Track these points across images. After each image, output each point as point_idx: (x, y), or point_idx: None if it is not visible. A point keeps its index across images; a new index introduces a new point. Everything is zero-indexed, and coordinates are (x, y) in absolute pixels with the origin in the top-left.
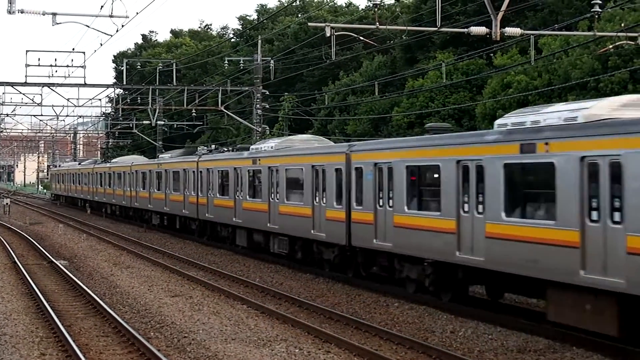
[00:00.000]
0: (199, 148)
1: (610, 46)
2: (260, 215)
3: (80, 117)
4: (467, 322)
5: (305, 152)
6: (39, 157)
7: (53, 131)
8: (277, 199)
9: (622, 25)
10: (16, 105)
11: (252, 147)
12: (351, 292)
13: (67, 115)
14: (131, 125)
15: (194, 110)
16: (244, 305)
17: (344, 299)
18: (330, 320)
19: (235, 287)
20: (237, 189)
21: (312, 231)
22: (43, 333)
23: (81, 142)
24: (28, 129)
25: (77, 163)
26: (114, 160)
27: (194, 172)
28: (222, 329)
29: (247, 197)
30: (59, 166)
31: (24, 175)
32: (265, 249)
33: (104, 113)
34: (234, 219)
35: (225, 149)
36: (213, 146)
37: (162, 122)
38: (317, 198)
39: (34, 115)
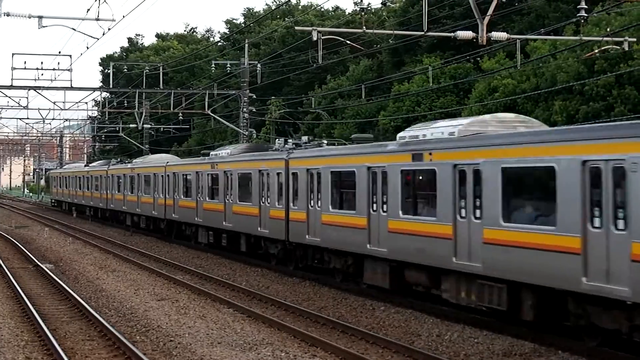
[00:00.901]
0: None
1: (596, 50)
2: (217, 214)
3: (66, 120)
4: (453, 326)
5: (253, 158)
6: (25, 160)
7: (39, 134)
8: (231, 200)
9: (608, 30)
10: (2, 108)
11: (212, 153)
12: (337, 296)
13: (53, 119)
14: (118, 129)
15: (180, 114)
16: (230, 309)
17: (330, 302)
18: (316, 324)
19: (222, 290)
20: (199, 191)
21: (258, 228)
22: (28, 337)
23: (67, 146)
24: (14, 132)
25: (83, 164)
26: (138, 160)
27: (162, 176)
28: (208, 332)
29: (207, 198)
30: (61, 167)
31: (10, 178)
32: (223, 245)
33: (90, 116)
34: (196, 218)
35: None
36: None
37: (149, 126)
38: (262, 199)
39: (20, 119)
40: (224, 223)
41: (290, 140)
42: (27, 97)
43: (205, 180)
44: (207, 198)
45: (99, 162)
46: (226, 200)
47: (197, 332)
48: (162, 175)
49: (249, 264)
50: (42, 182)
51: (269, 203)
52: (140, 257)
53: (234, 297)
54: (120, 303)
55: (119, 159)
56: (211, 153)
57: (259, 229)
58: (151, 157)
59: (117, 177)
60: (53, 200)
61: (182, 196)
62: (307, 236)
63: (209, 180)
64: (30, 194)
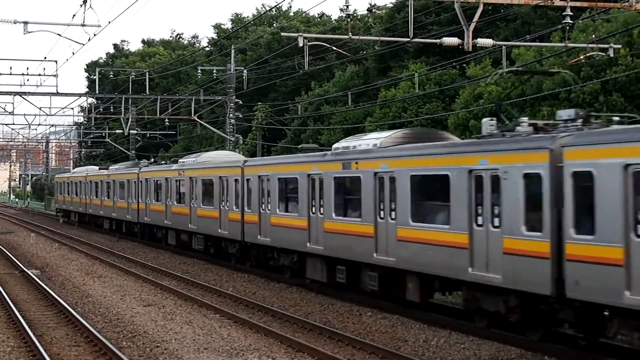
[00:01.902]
0: (141, 161)
1: (582, 57)
2: (184, 218)
3: (52, 126)
4: (439, 332)
5: (215, 166)
6: (10, 166)
7: (25, 140)
8: (196, 204)
9: (594, 36)
10: None
11: (180, 160)
12: (324, 302)
13: (39, 124)
14: (104, 135)
15: (166, 120)
16: (216, 315)
17: (317, 308)
18: (303, 329)
19: (209, 296)
20: (168, 195)
21: (219, 230)
22: (14, 343)
23: (53, 151)
24: (0, 138)
25: (98, 167)
26: (185, 159)
27: (135, 182)
28: (194, 338)
29: (175, 202)
30: (67, 171)
31: None
32: (189, 246)
33: (76, 122)
34: (165, 221)
35: (163, 162)
36: (152, 159)
37: (135, 132)
38: (222, 203)
39: (5, 124)
40: (189, 225)
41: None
42: (12, 103)
43: (174, 186)
44: (175, 202)
45: (127, 163)
46: (191, 205)
47: (184, 338)
48: (135, 182)
49: (235, 269)
50: (28, 187)
51: (227, 207)
52: (127, 263)
53: (221, 302)
54: (107, 309)
55: (153, 159)
56: (179, 160)
57: (219, 230)
58: (211, 154)
59: (154, 182)
60: (59, 210)
61: (153, 201)
62: (259, 236)
63: (177, 186)
64: (17, 199)
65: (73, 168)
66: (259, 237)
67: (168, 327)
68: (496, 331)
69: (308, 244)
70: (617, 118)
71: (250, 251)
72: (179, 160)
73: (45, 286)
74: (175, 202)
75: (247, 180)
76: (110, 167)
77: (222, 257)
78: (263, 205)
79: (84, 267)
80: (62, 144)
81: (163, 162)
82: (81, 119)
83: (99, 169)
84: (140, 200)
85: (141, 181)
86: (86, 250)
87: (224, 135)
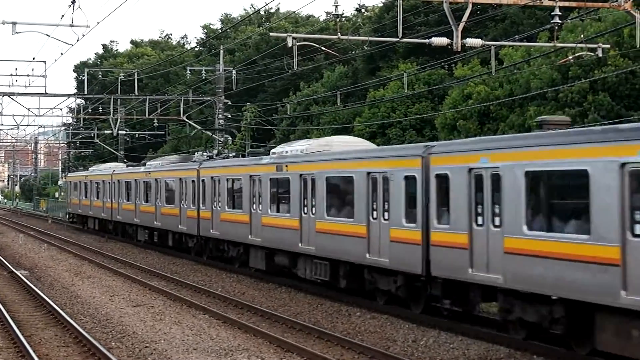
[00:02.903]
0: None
1: (570, 57)
2: (150, 215)
3: (41, 126)
4: (428, 331)
5: (176, 168)
6: None
7: (13, 140)
8: (160, 203)
9: (582, 36)
10: None
11: (147, 163)
12: (313, 302)
13: (27, 125)
14: (93, 135)
15: (155, 120)
16: (205, 315)
17: (306, 308)
18: (292, 329)
19: (197, 296)
20: (137, 195)
21: (179, 226)
22: (3, 343)
23: (42, 152)
24: None
25: (125, 164)
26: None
27: (109, 183)
28: (183, 338)
29: (143, 202)
30: (85, 170)
31: None
32: (155, 242)
33: (65, 123)
34: (134, 219)
35: (232, 155)
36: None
37: (124, 132)
38: (182, 202)
39: None
40: (155, 222)
41: (204, 153)
42: (1, 104)
43: (142, 186)
44: (143, 202)
45: (172, 158)
46: (157, 204)
47: (173, 338)
48: (109, 182)
49: (224, 269)
50: (17, 188)
51: (186, 205)
52: (116, 264)
53: (210, 303)
54: (96, 309)
55: (219, 150)
56: (147, 163)
57: (179, 226)
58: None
59: (214, 181)
60: (71, 216)
61: (125, 200)
62: (211, 230)
63: (145, 187)
64: (5, 200)
65: (62, 170)
66: (211, 231)
67: (157, 327)
68: (485, 331)
69: (250, 237)
70: (232, 155)
71: (206, 244)
72: (147, 164)
73: (34, 287)
74: (143, 202)
75: (202, 181)
76: (148, 164)
77: (182, 251)
78: (215, 203)
79: (73, 267)
80: (50, 144)
81: (232, 155)
82: (70, 120)
83: (127, 165)
84: (113, 200)
85: (114, 182)
86: (75, 250)
87: (213, 135)
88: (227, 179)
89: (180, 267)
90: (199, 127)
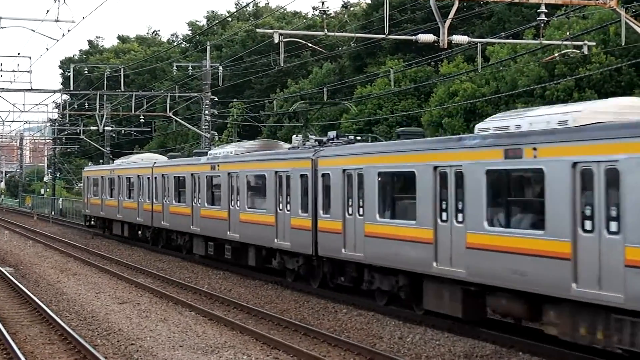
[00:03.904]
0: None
1: (556, 54)
2: (219, 224)
3: (26, 122)
4: (415, 328)
5: (136, 166)
6: None
7: None
8: (122, 198)
9: (568, 33)
10: None
11: (116, 161)
12: (299, 299)
13: (13, 121)
14: (79, 131)
15: (142, 116)
16: (192, 312)
17: (293, 305)
18: (278, 326)
19: (184, 293)
20: (195, 196)
21: (137, 218)
22: None
23: (28, 148)
24: None
25: (167, 155)
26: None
27: (148, 178)
28: (169, 335)
29: (206, 204)
30: (111, 163)
31: None
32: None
33: (50, 119)
34: (192, 227)
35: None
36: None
37: (110, 128)
38: (139, 197)
39: None
40: (228, 233)
41: (310, 136)
42: None
43: (107, 183)
44: (108, 197)
45: (248, 144)
46: (119, 198)
47: (159, 336)
48: (150, 178)
49: (210, 267)
50: (2, 185)
51: (142, 199)
52: (101, 260)
53: (196, 300)
54: (81, 306)
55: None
56: (209, 152)
57: (137, 218)
58: (139, 156)
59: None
60: (89, 219)
61: (92, 195)
62: (162, 222)
63: (209, 183)
64: None
65: (48, 166)
66: (162, 222)
67: (143, 324)
68: (471, 328)
69: (191, 227)
70: (359, 137)
71: (159, 234)
72: (115, 162)
73: (19, 284)
74: (108, 197)
75: (155, 178)
76: (211, 153)
77: (140, 240)
78: (164, 198)
79: (59, 264)
80: (36, 140)
81: (359, 138)
82: (56, 116)
83: (169, 157)
84: (91, 195)
85: (327, 174)
86: (60, 247)
87: (199, 132)
88: (174, 177)
89: (167, 264)
90: (185, 124)
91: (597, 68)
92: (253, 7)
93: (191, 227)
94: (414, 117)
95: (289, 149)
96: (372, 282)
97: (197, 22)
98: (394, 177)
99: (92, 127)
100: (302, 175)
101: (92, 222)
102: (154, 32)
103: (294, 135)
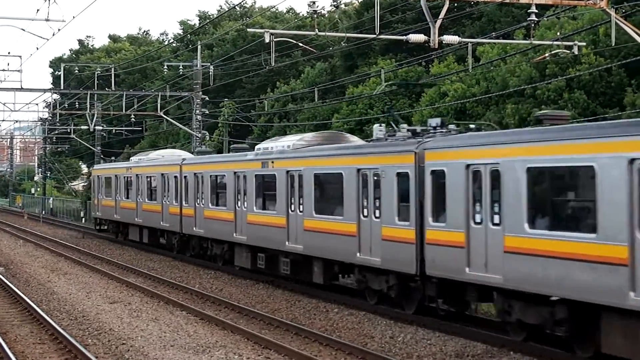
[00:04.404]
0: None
1: (547, 54)
2: (272, 232)
3: (17, 121)
4: (406, 328)
5: (158, 163)
6: None
7: None
8: (141, 199)
9: (559, 34)
10: None
11: (132, 158)
12: (291, 298)
13: (3, 120)
14: (69, 131)
15: (132, 116)
16: (183, 312)
17: (284, 304)
18: (270, 326)
19: (175, 293)
20: (239, 198)
21: (161, 223)
22: None
23: (18, 147)
24: None
25: (195, 151)
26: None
27: (175, 177)
28: (160, 335)
29: (256, 208)
30: (128, 160)
31: None
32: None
33: (41, 118)
34: (234, 234)
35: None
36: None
37: (101, 128)
38: (164, 198)
39: None
40: (288, 244)
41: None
42: None
43: (254, 183)
44: (256, 208)
45: (309, 136)
46: (290, 211)
47: (150, 335)
48: (178, 177)
49: (201, 266)
50: None
51: (119, 198)
52: (92, 260)
53: (187, 299)
54: (72, 306)
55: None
56: (256, 147)
57: (161, 223)
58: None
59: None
60: (99, 223)
61: (210, 204)
62: (194, 228)
63: (260, 183)
64: None
65: (38, 165)
66: (194, 229)
67: (134, 324)
68: (462, 327)
69: (234, 235)
70: (473, 126)
71: (188, 242)
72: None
73: (10, 283)
74: (104, 197)
75: (185, 177)
76: (259, 147)
77: (163, 248)
78: (197, 200)
79: (49, 264)
80: (26, 140)
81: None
82: (46, 115)
83: (196, 152)
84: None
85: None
86: (51, 247)
87: (190, 131)
88: (211, 175)
89: (158, 264)
90: (176, 123)
91: (587, 68)
92: (242, 8)
93: (234, 234)
94: (405, 117)
95: (369, 141)
96: (509, 313)
97: (189, 21)
98: (555, 174)
99: (82, 127)
100: (400, 174)
101: (104, 226)
102: (144, 32)
103: (376, 125)
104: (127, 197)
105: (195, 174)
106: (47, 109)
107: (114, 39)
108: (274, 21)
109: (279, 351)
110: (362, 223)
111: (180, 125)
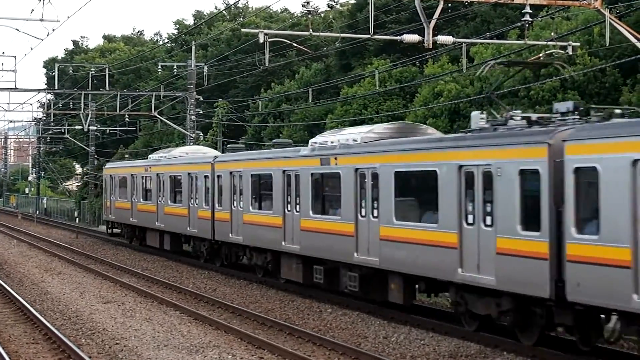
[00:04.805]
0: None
1: (541, 55)
2: (150, 216)
3: (11, 121)
4: (399, 328)
5: (184, 161)
6: None
7: None
8: (162, 201)
9: (553, 34)
10: None
11: (151, 156)
12: (284, 298)
13: None
14: (63, 131)
15: (127, 116)
16: (176, 312)
17: (277, 304)
18: (263, 326)
19: (168, 293)
20: (290, 200)
21: (187, 228)
22: None
23: (12, 147)
24: None
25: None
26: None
27: (205, 177)
28: (154, 335)
29: (141, 200)
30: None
31: None
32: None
33: (35, 118)
34: (284, 243)
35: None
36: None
37: (95, 128)
38: (191, 201)
39: None
40: (357, 256)
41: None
42: None
43: (311, 184)
44: (312, 212)
45: (384, 127)
46: (360, 216)
47: (143, 335)
48: (210, 177)
49: (195, 266)
50: None
51: (194, 204)
52: (86, 260)
53: (181, 299)
54: (66, 306)
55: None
56: (311, 141)
57: (187, 229)
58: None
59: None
60: (111, 226)
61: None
62: (230, 235)
63: (319, 184)
64: None
65: (32, 165)
66: (230, 235)
67: (128, 324)
68: (456, 327)
69: (283, 243)
70: (618, 111)
71: (219, 250)
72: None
73: (3, 283)
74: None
75: (218, 176)
76: (314, 141)
77: (188, 255)
78: (234, 203)
79: (43, 263)
80: (20, 140)
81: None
82: (40, 115)
83: (228, 149)
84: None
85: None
86: (45, 247)
87: (184, 131)
88: (252, 174)
89: (151, 264)
90: (170, 123)
91: (581, 69)
92: (236, 9)
93: (283, 243)
94: (399, 117)
95: (466, 132)
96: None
97: (184, 21)
98: None
99: (76, 127)
100: (524, 171)
101: (116, 230)
102: (138, 32)
103: (474, 112)
104: (146, 199)
105: (231, 172)
106: (42, 109)
107: (108, 39)
108: (269, 21)
109: (272, 351)
110: (464, 232)
111: (174, 126)
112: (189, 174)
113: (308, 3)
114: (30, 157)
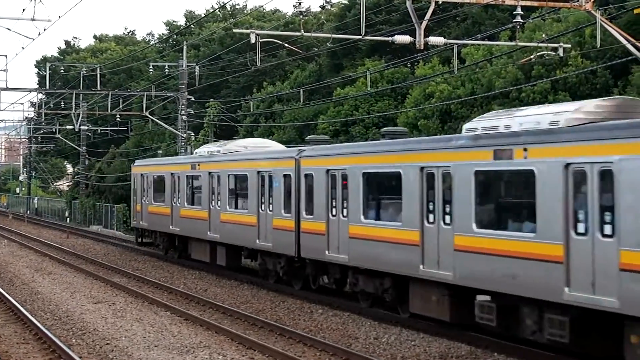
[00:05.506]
0: None
1: (532, 56)
2: (200, 224)
3: (1, 121)
4: (390, 329)
5: (250, 157)
6: None
7: None
8: (217, 206)
9: (545, 35)
10: None
11: (197, 150)
12: (275, 299)
13: None
14: (54, 130)
15: (118, 116)
16: (167, 312)
17: (268, 305)
18: (254, 326)
19: (159, 293)
20: (175, 195)
21: (257, 241)
22: None
23: (3, 147)
24: None
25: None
26: None
27: (288, 177)
28: (145, 335)
29: (185, 204)
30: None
31: None
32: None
33: (26, 117)
34: (170, 227)
35: None
36: None
37: (86, 127)
38: (261, 207)
39: None
40: (208, 234)
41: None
42: None
43: (184, 184)
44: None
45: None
46: (212, 207)
47: (134, 335)
48: (293, 177)
49: (186, 266)
50: None
51: (265, 210)
52: (77, 260)
53: (172, 300)
54: (56, 306)
55: None
56: (465, 126)
57: (257, 242)
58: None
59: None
60: (142, 233)
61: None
62: (327, 252)
63: (479, 186)
64: None
65: (23, 165)
66: (327, 253)
67: (118, 324)
68: (447, 329)
69: (421, 267)
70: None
71: (301, 269)
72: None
73: None
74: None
75: (306, 176)
76: (469, 127)
77: (250, 273)
78: (333, 211)
79: (34, 263)
80: (11, 139)
81: None
82: (31, 115)
83: (310, 140)
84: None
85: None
86: (36, 246)
87: (175, 131)
88: (365, 173)
89: (142, 264)
90: (161, 123)
91: (573, 70)
92: (228, 9)
93: (421, 267)
94: (390, 118)
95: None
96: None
97: (175, 22)
98: None
99: (68, 126)
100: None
101: (148, 239)
102: (130, 32)
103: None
104: (193, 204)
105: (328, 171)
106: (33, 109)
107: (99, 38)
108: (262, 20)
109: (263, 352)
110: (572, 243)
111: (166, 126)
112: (258, 172)
113: (300, 4)
114: (21, 157)
